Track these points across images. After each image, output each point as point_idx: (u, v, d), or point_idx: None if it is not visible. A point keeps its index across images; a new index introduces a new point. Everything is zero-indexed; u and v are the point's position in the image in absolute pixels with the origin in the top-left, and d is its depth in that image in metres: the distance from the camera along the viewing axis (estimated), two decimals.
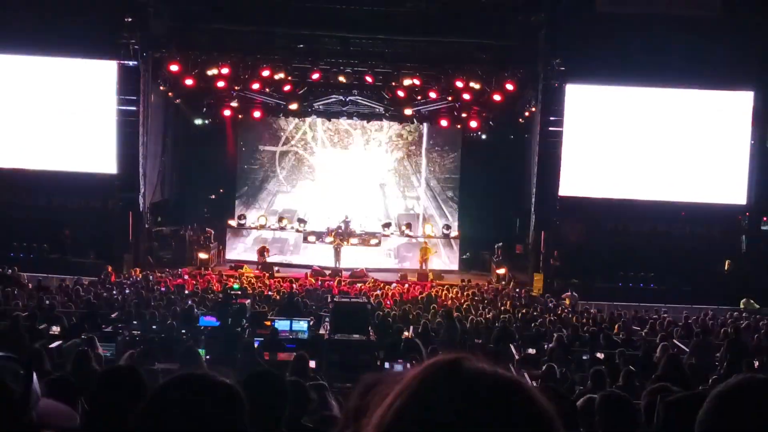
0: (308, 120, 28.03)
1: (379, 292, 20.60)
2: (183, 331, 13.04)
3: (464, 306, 17.69)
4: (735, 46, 22.92)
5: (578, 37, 22.86)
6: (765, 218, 24.95)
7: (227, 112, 27.09)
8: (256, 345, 11.98)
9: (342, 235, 25.46)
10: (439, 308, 17.24)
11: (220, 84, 25.06)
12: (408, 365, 10.12)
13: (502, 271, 25.06)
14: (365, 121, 27.64)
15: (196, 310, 15.08)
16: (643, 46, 22.88)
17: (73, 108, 24.03)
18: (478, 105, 26.34)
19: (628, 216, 24.77)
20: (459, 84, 24.60)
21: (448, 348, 12.28)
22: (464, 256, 27.34)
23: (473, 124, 27.14)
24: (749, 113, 24.39)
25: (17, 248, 22.92)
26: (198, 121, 27.93)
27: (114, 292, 18.17)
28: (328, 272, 24.48)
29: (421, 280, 24.21)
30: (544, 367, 9.61)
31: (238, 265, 25.41)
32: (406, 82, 24.78)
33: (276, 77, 24.82)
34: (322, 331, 13.68)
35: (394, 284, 22.80)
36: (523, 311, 17.86)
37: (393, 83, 25.27)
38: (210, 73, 24.51)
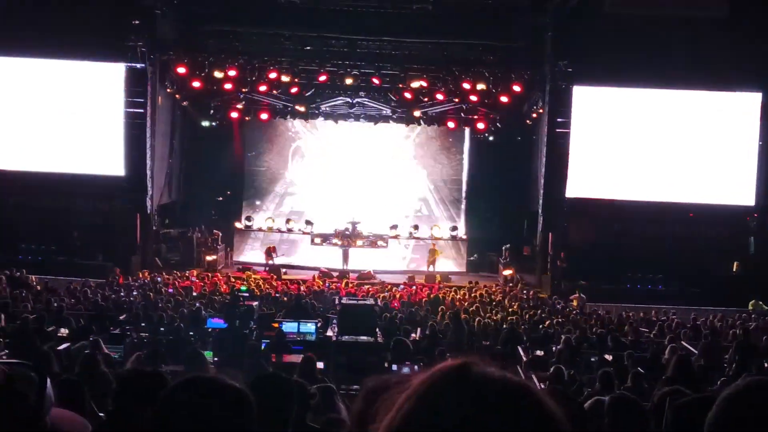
0: (315, 122, 28.03)
1: (386, 293, 20.62)
2: (191, 333, 13.09)
3: (472, 308, 17.65)
4: (743, 47, 22.81)
5: (586, 39, 22.82)
6: None
7: (234, 114, 27.09)
8: (263, 347, 11.99)
9: (349, 237, 25.47)
10: (446, 310, 17.23)
11: (227, 86, 25.09)
12: (415, 367, 10.14)
13: (509, 272, 24.99)
14: (372, 123, 27.62)
15: (203, 312, 15.12)
16: (650, 48, 22.82)
17: (81, 110, 24.09)
18: (485, 107, 26.29)
19: (635, 217, 24.66)
20: (466, 86, 24.56)
21: (456, 350, 12.31)
22: (471, 258, 27.30)
23: (480, 125, 27.07)
24: (757, 114, 24.30)
25: (25, 250, 22.97)
26: (205, 123, 27.94)
27: (122, 294, 18.18)
28: (335, 274, 24.49)
29: (428, 281, 24.19)
30: (552, 369, 9.57)
31: (246, 267, 25.44)
32: (413, 84, 24.77)
33: (283, 79, 24.81)
34: (329, 333, 13.68)
35: (401, 286, 22.79)
36: (531, 313, 17.84)
37: (400, 85, 25.25)
38: (217, 75, 24.52)
